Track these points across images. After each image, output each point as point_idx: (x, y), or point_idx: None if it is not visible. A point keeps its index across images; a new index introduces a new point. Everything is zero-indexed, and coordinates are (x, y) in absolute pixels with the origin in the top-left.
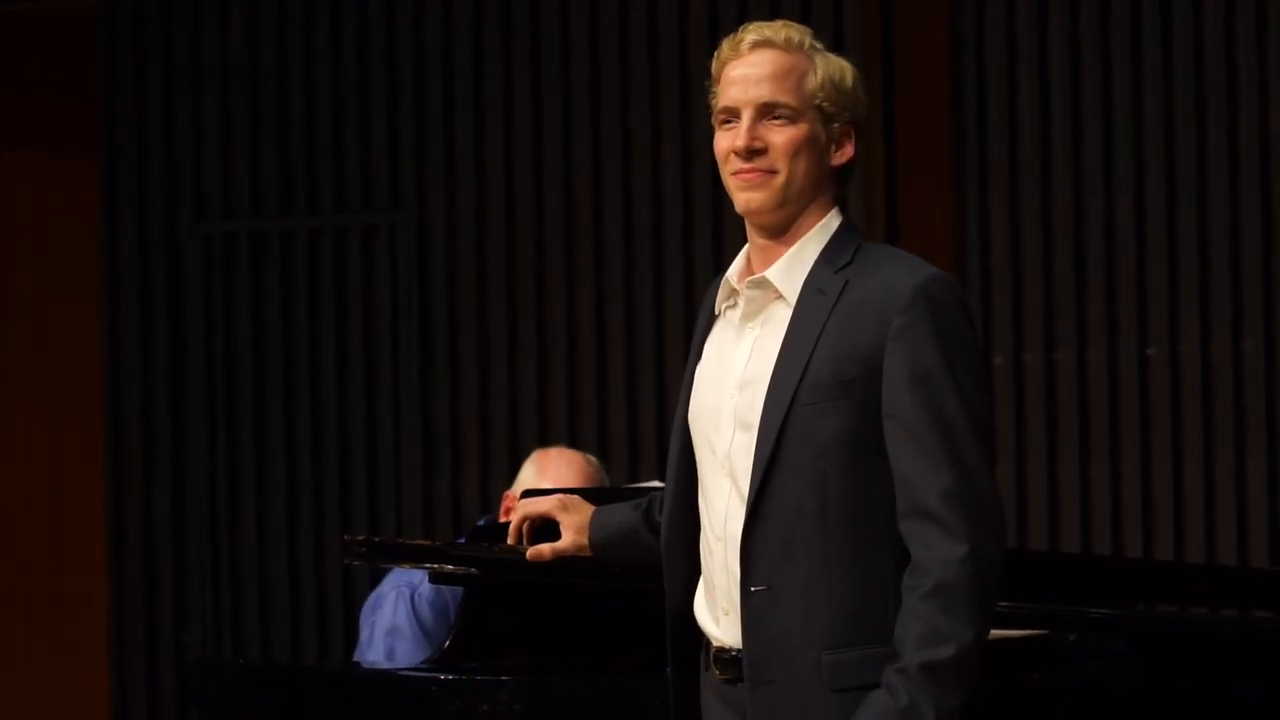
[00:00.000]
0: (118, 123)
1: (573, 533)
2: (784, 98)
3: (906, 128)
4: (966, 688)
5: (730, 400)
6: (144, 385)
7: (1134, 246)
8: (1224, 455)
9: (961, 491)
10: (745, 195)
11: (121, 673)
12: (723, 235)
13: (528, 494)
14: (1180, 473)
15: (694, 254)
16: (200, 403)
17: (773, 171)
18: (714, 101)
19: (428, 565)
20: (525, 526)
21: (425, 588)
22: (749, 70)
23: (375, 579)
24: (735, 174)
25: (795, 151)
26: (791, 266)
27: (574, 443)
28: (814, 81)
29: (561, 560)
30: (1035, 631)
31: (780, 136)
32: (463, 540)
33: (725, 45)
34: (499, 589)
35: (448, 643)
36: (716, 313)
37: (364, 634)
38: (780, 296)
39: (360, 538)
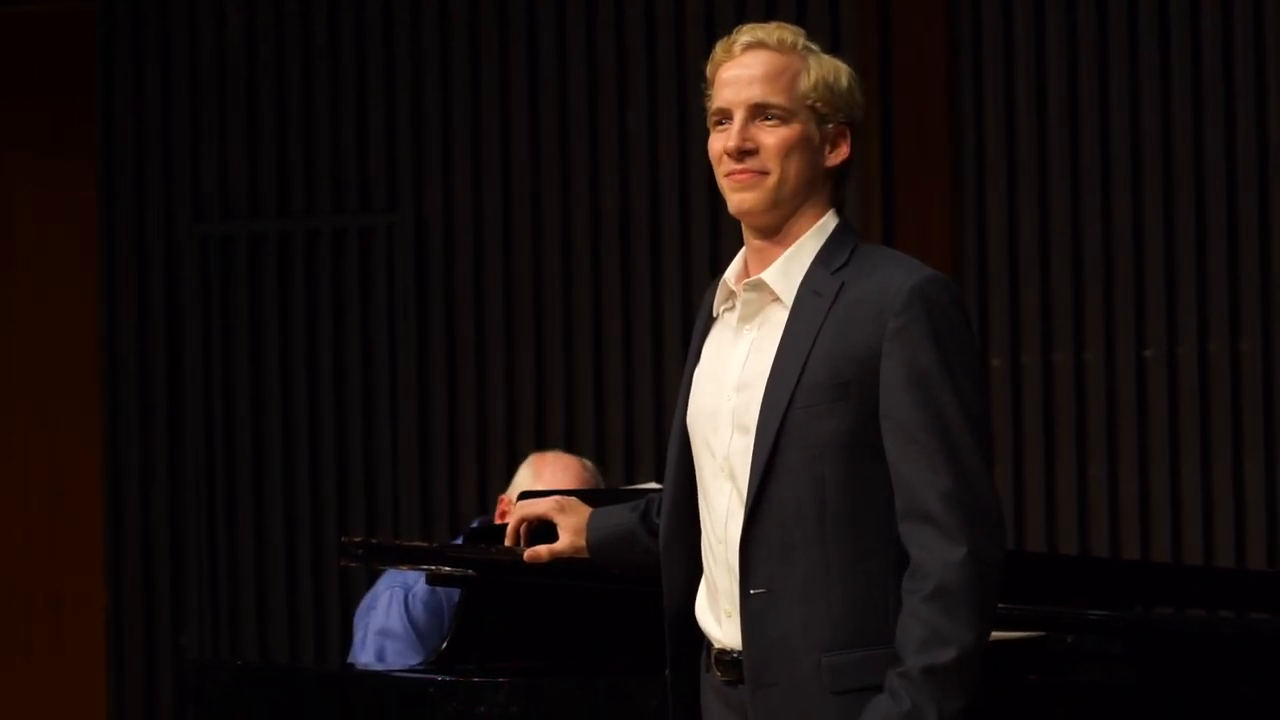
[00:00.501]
0: (116, 123)
1: (570, 534)
2: (776, 98)
3: (904, 128)
4: (969, 690)
5: (728, 402)
6: (142, 386)
7: (1131, 248)
8: (1221, 456)
9: (960, 493)
10: (738, 196)
11: (119, 673)
12: (720, 237)
13: (525, 495)
14: (1178, 474)
15: (691, 255)
16: (198, 403)
17: (764, 172)
18: (709, 103)
19: (425, 567)
20: (522, 528)
21: (420, 589)
22: (741, 71)
23: (372, 580)
24: (728, 175)
25: (787, 152)
26: (787, 268)
27: (571, 444)
28: (807, 82)
29: (559, 562)
30: (1033, 633)
31: (772, 137)
32: (459, 541)
33: (719, 47)
34: (496, 591)
35: (445, 644)
36: (714, 315)
37: (357, 635)
38: (777, 298)
39: (357, 539)
